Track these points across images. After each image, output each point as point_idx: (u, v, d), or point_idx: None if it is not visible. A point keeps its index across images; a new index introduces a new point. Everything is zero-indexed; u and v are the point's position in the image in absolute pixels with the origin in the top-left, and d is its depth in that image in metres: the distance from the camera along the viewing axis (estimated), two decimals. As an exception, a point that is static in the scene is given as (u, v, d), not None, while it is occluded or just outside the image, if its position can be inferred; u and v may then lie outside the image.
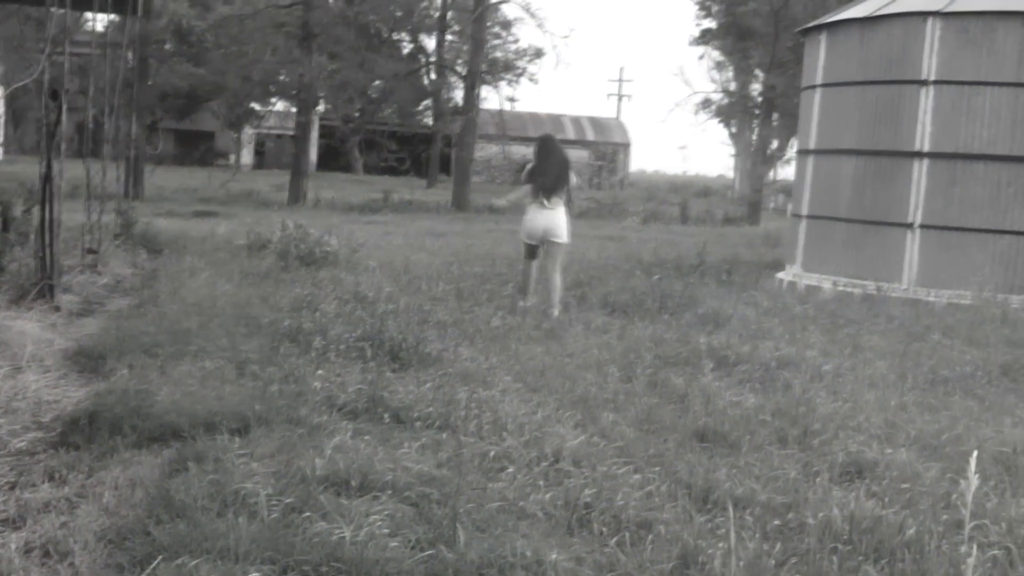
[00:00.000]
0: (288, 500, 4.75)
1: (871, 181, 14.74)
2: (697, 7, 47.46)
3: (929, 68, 14.10)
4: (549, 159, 11.47)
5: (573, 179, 11.64)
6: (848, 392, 7.65)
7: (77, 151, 26.70)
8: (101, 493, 5.09)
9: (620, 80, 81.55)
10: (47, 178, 10.61)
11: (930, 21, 14.08)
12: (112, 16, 21.57)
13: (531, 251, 11.45)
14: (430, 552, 4.33)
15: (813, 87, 15.98)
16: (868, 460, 5.92)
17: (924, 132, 14.17)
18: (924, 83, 14.15)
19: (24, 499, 5.09)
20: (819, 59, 15.78)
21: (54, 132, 10.84)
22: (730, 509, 4.22)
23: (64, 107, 11.09)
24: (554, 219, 11.33)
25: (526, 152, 49.77)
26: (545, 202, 11.33)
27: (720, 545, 4.44)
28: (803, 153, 16.47)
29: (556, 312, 10.85)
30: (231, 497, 4.76)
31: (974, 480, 3.84)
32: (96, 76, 15.48)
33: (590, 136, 67.68)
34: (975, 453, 3.98)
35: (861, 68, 14.94)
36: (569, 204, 11.71)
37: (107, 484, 5.20)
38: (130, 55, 26.20)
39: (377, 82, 46.94)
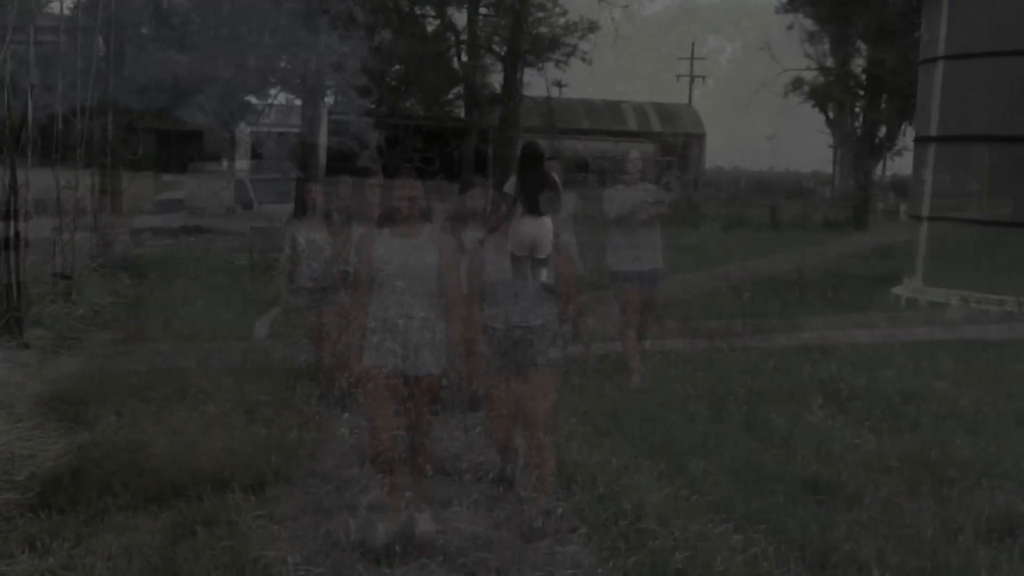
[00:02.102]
0: (319, 570, 4.79)
1: (1008, 174, 14.64)
2: (784, -33, 47.45)
3: (1077, 33, 14.02)
4: (528, 173, 12.66)
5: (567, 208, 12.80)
6: (990, 431, 7.59)
7: (42, 157, 27.06)
8: (92, 564, 5.17)
9: (692, 58, 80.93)
10: (11, 190, 10.79)
11: (1078, -25, 14.00)
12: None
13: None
14: (491, 631, 4.36)
15: (934, 60, 15.90)
16: (1020, 514, 5.88)
17: (1073, 111, 14.07)
18: (1072, 51, 14.06)
19: (0, 572, 5.17)
20: (940, 25, 15.71)
21: (18, 135, 11.02)
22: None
23: (30, 106, 11.28)
24: (542, 231, 12.56)
25: (579, 147, 49.77)
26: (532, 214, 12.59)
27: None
28: (922, 141, 16.37)
29: None
30: (250, 567, 4.82)
31: None
32: (64, 68, 15.69)
33: (656, 127, 67.53)
34: None
35: (994, 35, 14.85)
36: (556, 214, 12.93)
37: (98, 553, 5.28)
38: (102, 42, 26.56)
39: (397, 67, 47.21)
